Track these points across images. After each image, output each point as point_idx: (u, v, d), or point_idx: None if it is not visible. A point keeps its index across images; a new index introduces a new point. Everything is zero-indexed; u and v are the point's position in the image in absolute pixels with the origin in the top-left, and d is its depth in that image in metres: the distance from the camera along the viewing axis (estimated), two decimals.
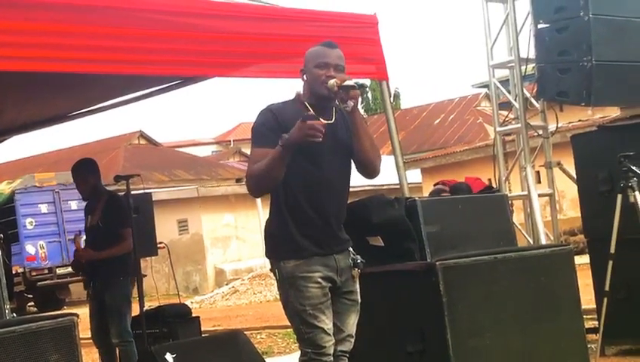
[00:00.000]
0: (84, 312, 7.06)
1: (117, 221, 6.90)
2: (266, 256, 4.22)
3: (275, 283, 4.26)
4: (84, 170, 7.09)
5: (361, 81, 4.11)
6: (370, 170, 4.22)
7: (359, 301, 4.25)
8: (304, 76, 4.17)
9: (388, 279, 5.15)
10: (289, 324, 4.23)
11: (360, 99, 4.15)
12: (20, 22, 4.37)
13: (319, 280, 4.04)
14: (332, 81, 4.01)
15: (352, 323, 4.22)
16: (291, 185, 4.05)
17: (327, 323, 4.05)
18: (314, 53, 4.14)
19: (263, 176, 3.96)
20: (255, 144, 4.05)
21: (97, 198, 7.02)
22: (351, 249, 4.24)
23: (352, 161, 4.21)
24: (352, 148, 4.16)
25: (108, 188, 7.59)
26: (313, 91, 4.10)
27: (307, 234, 4.06)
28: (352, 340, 4.23)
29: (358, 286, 4.24)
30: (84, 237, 7.23)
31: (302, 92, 4.18)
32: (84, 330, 6.19)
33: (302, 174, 4.04)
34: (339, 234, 4.18)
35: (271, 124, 4.03)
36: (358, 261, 4.21)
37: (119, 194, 7.31)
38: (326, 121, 3.97)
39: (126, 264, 6.99)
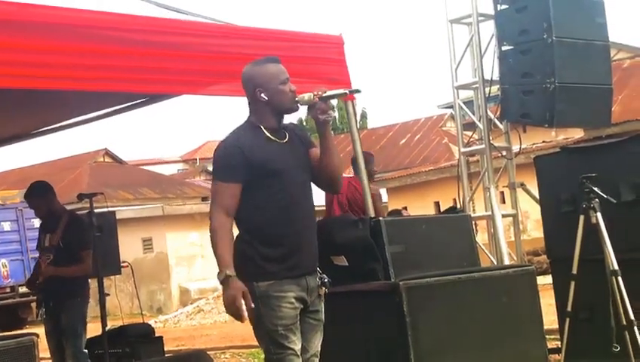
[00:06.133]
0: (44, 332, 6.99)
1: (78, 242, 6.85)
2: (237, 277, 4.17)
3: None
4: (36, 194, 7.05)
5: (346, 90, 4.07)
6: (336, 186, 4.22)
7: (323, 320, 4.24)
8: (263, 95, 4.06)
9: (351, 299, 5.15)
10: (253, 344, 4.21)
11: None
12: None
13: (292, 300, 4.01)
14: (307, 95, 3.98)
15: (317, 343, 4.19)
16: (259, 208, 4.01)
17: (297, 344, 4.02)
18: (272, 72, 4.07)
19: (213, 245, 3.99)
20: (220, 178, 3.98)
21: (56, 218, 6.97)
22: (318, 268, 4.23)
23: (311, 177, 4.17)
24: (311, 168, 4.14)
25: (71, 206, 7.53)
26: (280, 109, 4.06)
27: (277, 257, 4.01)
28: (317, 360, 4.21)
29: (323, 305, 4.23)
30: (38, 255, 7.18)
31: (254, 115, 4.11)
32: (45, 350, 6.13)
33: (269, 197, 4.00)
34: (309, 255, 4.13)
35: (234, 156, 3.95)
36: (326, 280, 4.19)
37: (80, 214, 7.26)
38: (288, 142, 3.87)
39: (83, 285, 6.93)
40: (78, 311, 6.85)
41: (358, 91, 4.13)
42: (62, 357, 6.89)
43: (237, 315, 3.80)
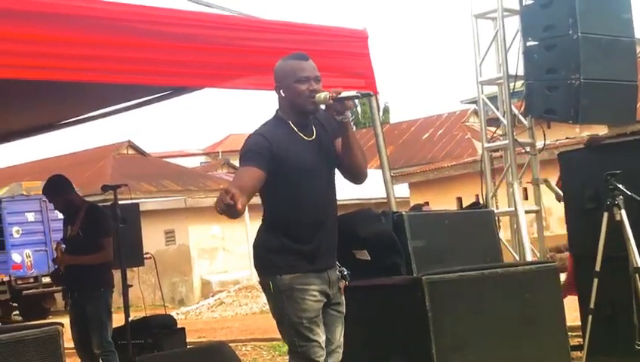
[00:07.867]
0: (69, 322, 7.05)
1: (96, 230, 6.92)
2: (256, 269, 4.17)
3: (262, 296, 4.23)
4: (52, 192, 7.13)
5: (363, 91, 4.07)
6: (361, 179, 4.23)
7: (344, 312, 4.25)
8: (281, 92, 4.08)
9: (374, 293, 5.15)
10: (275, 337, 4.22)
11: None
12: (8, 30, 4.36)
13: (315, 293, 4.03)
14: (323, 95, 3.97)
15: (340, 334, 4.22)
16: (282, 204, 4.04)
17: (321, 336, 4.05)
18: (290, 69, 4.04)
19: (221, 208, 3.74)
20: (243, 163, 3.95)
21: (76, 210, 7.04)
22: (337, 262, 4.24)
23: (335, 171, 4.19)
24: (336, 159, 4.15)
25: (95, 197, 7.58)
26: (296, 107, 4.05)
27: (301, 251, 4.03)
28: (341, 351, 4.23)
29: (343, 298, 4.25)
30: (64, 246, 7.23)
31: (281, 110, 4.12)
32: (69, 340, 6.17)
33: (292, 193, 4.02)
34: (330, 250, 4.16)
35: (261, 146, 3.93)
36: (345, 273, 4.22)
37: (99, 204, 7.32)
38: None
39: (107, 275, 6.99)
40: (102, 301, 6.91)
41: (370, 95, 4.13)
42: (85, 347, 6.96)
43: (227, 205, 3.52)
